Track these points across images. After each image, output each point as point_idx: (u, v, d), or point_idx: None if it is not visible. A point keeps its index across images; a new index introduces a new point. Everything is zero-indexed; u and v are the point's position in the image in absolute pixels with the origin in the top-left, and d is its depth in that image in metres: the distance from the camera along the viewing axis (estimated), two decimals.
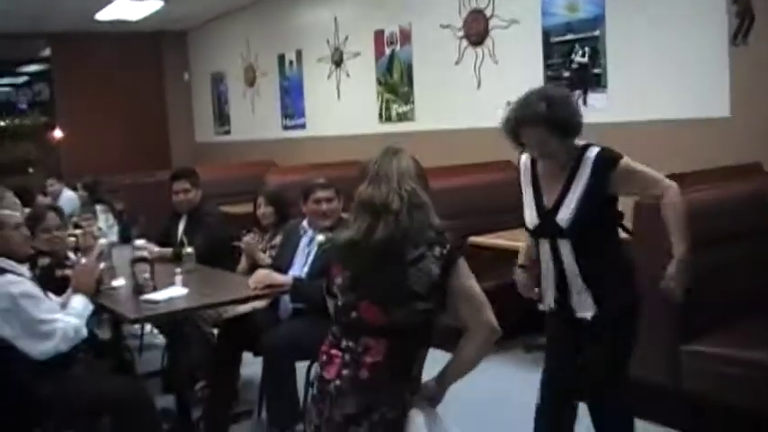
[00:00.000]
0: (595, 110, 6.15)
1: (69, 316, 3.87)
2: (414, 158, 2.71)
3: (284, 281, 4.46)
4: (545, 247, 3.44)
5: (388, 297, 2.54)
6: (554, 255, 3.39)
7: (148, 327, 6.75)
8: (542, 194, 3.41)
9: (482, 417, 4.66)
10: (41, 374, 3.76)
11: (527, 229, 3.51)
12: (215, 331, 5.19)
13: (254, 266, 5.22)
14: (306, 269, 4.62)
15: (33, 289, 3.80)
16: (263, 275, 4.47)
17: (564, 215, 3.30)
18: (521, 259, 3.72)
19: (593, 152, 3.30)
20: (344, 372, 2.58)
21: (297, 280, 4.50)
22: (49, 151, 13.15)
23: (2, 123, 13.15)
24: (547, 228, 3.38)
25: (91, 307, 4.07)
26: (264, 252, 5.35)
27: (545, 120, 3.19)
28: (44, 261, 4.58)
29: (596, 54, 6.15)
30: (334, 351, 2.64)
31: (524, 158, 3.53)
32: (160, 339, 6.49)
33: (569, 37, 6.33)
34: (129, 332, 6.23)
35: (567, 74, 6.42)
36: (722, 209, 4.44)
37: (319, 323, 4.34)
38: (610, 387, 3.49)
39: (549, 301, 3.53)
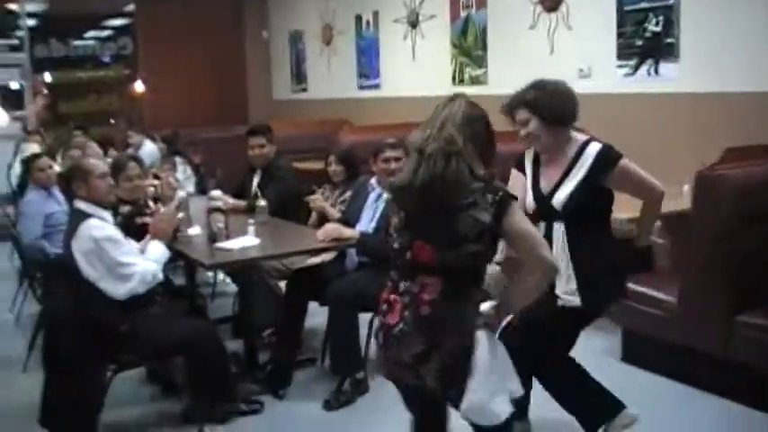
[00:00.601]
0: (667, 79, 6.18)
1: (147, 261, 4.13)
2: (469, 106, 2.80)
3: (351, 234, 4.65)
4: (541, 231, 3.49)
5: (438, 239, 2.64)
6: (548, 239, 3.44)
7: (221, 275, 7.04)
8: (540, 180, 3.56)
9: None
10: (122, 313, 4.04)
11: (525, 212, 3.62)
12: (282, 284, 5.42)
13: (323, 220, 5.42)
14: (372, 224, 4.80)
15: (115, 233, 4.07)
16: (332, 229, 4.68)
17: (559, 198, 3.45)
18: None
19: (594, 148, 3.46)
20: (406, 313, 2.67)
21: (363, 234, 4.69)
22: (131, 104, 13.52)
23: (86, 75, 13.48)
24: (543, 210, 3.51)
25: (168, 254, 4.32)
26: (334, 206, 5.53)
27: (529, 105, 3.44)
28: (125, 209, 4.84)
29: (669, 23, 6.14)
30: (393, 297, 2.74)
31: (529, 151, 3.69)
32: (231, 287, 6.76)
33: (643, 5, 6.33)
34: (202, 279, 6.50)
35: (639, 42, 6.44)
36: None
37: (383, 276, 4.55)
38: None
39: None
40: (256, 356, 4.94)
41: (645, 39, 6.40)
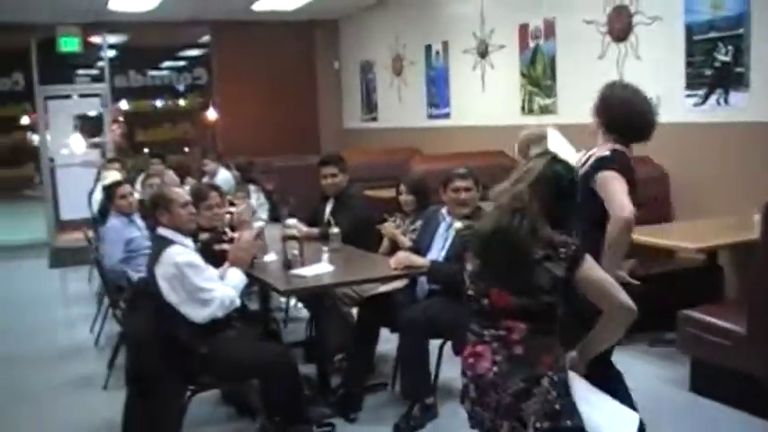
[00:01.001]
0: (737, 109, 6.16)
1: (226, 287, 4.28)
2: (550, 164, 2.84)
3: (423, 263, 4.76)
4: None
5: (514, 286, 2.71)
6: None
7: (293, 301, 7.19)
8: None
9: None
10: (201, 336, 4.19)
11: None
12: (354, 311, 5.53)
13: (394, 248, 5.54)
14: (443, 253, 4.89)
15: (197, 259, 4.24)
16: (404, 257, 4.79)
17: None
18: None
19: (599, 153, 3.67)
20: (498, 358, 2.72)
21: (434, 263, 4.79)
22: (205, 132, 13.87)
23: (162, 104, 13.88)
24: None
25: (245, 280, 4.48)
26: (404, 235, 5.63)
27: (596, 111, 3.78)
28: (204, 236, 5.01)
29: (739, 53, 6.13)
30: (479, 348, 2.78)
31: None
32: (303, 313, 6.91)
33: (712, 35, 6.33)
34: (275, 305, 6.67)
35: (708, 72, 6.43)
36: None
37: (453, 304, 4.67)
38: None
39: None
40: (328, 380, 5.06)
41: (714, 68, 6.39)
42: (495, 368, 2.72)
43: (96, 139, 12.85)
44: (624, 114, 3.66)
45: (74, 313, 8.11)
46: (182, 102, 13.91)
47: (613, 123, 3.65)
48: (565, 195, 2.84)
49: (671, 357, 5.45)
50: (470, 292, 2.83)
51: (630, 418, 2.80)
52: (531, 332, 2.70)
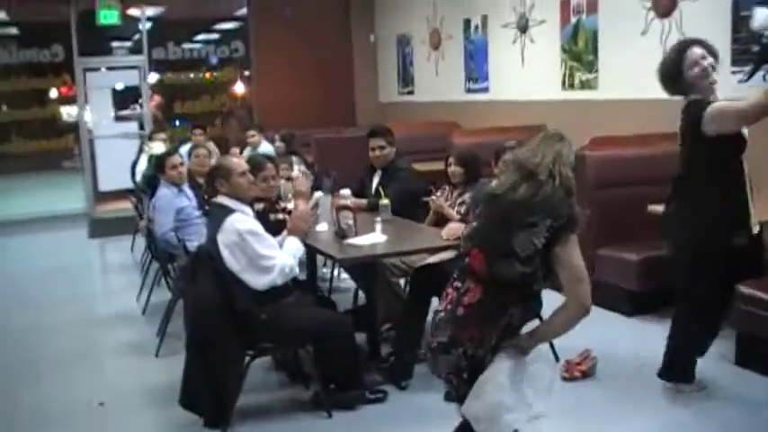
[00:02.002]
0: None
1: (286, 255, 4.38)
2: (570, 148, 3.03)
3: None
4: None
5: (493, 251, 2.83)
6: None
7: (336, 272, 7.30)
8: None
9: (650, 378, 4.91)
10: (261, 303, 4.30)
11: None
12: (402, 282, 5.62)
13: (439, 221, 5.61)
14: None
15: (258, 227, 4.34)
16: (456, 228, 4.86)
17: None
18: None
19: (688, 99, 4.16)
20: (449, 306, 2.93)
21: None
22: (242, 104, 13.96)
23: (199, 76, 13.96)
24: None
25: (303, 249, 4.58)
26: (452, 207, 5.69)
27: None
28: (259, 206, 5.10)
29: None
30: (449, 289, 2.98)
31: None
32: (346, 284, 7.03)
33: None
34: (318, 276, 6.79)
35: (755, 48, 6.43)
36: None
37: None
38: None
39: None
40: (379, 349, 5.16)
41: (762, 45, 6.38)
42: (442, 313, 2.95)
43: (134, 111, 12.98)
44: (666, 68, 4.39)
45: (118, 283, 8.27)
46: (220, 74, 13.95)
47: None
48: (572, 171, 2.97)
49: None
50: (461, 249, 3.01)
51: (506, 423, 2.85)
52: (480, 302, 2.84)
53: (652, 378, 4.65)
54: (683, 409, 4.44)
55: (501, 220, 2.85)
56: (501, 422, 2.82)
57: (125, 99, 13.05)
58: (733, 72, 6.66)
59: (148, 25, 12.70)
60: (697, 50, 4.17)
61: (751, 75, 6.53)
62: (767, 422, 4.10)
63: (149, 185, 7.35)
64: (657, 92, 7.37)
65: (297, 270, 4.48)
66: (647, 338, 5.55)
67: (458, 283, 2.94)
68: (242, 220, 4.29)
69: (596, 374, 4.97)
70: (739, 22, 6.53)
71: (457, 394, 3.03)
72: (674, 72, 4.21)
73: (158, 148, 8.63)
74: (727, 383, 4.84)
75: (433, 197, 5.72)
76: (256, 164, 5.08)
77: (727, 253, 4.10)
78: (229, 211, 4.32)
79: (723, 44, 6.63)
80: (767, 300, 4.80)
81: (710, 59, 4.17)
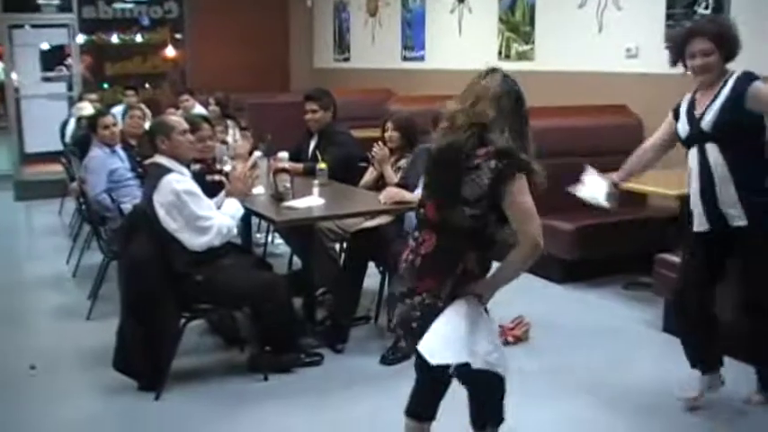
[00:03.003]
0: None
1: (224, 215, 4.34)
2: (503, 81, 2.95)
3: (412, 198, 4.84)
4: (693, 156, 3.85)
5: (442, 198, 2.86)
6: (701, 161, 3.79)
7: (270, 237, 7.28)
8: (695, 108, 3.88)
9: (581, 342, 5.02)
10: (197, 264, 4.27)
11: (682, 142, 3.95)
12: (337, 246, 5.62)
13: (378, 179, 5.60)
14: None
15: (195, 188, 4.29)
16: (395, 192, 4.88)
17: (707, 119, 3.76)
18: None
19: (737, 72, 3.78)
20: (409, 257, 2.95)
21: None
22: (175, 67, 13.73)
23: (131, 37, 13.64)
24: (695, 134, 3.82)
25: (242, 210, 4.55)
26: None
27: (713, 33, 3.74)
28: (195, 167, 5.04)
29: (719, 6, 6.22)
30: (410, 240, 3.02)
31: (686, 96, 4.00)
32: (280, 249, 7.01)
33: None
34: (253, 242, 6.75)
35: (688, 23, 6.53)
36: None
37: None
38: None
39: (698, 218, 3.89)
40: (314, 313, 5.16)
41: (694, 21, 6.49)
42: (403, 263, 2.98)
43: (62, 72, 12.67)
44: (738, 38, 3.81)
45: (46, 246, 8.07)
46: (153, 35, 13.64)
47: (735, 49, 3.79)
48: (520, 106, 2.93)
49: (645, 299, 5.65)
50: (419, 200, 3.04)
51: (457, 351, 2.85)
52: (434, 251, 2.85)
53: (581, 342, 4.76)
54: (613, 374, 4.54)
55: (442, 169, 2.89)
56: (455, 351, 2.81)
57: (53, 58, 12.72)
58: (666, 47, 6.76)
59: None
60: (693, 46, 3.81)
61: None
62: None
63: (80, 147, 7.19)
64: (593, 64, 7.51)
65: (235, 231, 4.46)
66: (579, 306, 5.69)
67: (416, 233, 2.98)
68: (179, 179, 4.24)
69: (529, 339, 5.04)
70: None
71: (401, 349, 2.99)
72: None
73: (87, 109, 8.45)
74: (655, 349, 4.97)
75: (376, 149, 5.59)
76: (192, 124, 4.99)
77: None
78: (166, 170, 4.26)
79: (657, 19, 6.75)
80: None
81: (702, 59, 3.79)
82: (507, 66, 8.31)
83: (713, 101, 3.77)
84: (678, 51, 3.85)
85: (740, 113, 3.70)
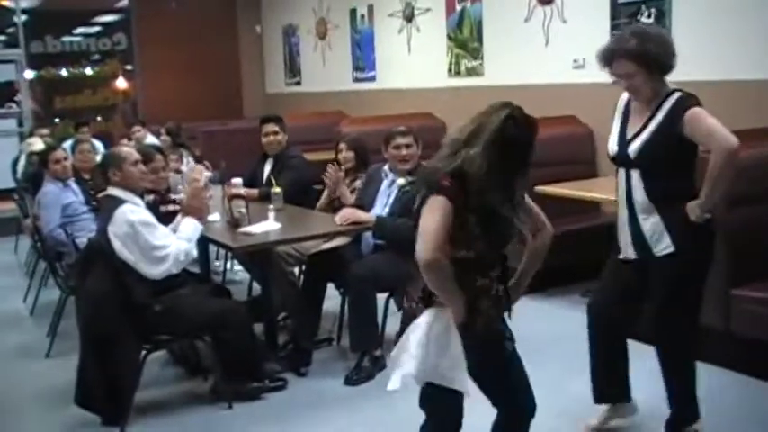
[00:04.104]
0: None
1: (180, 240, 4.34)
2: (509, 126, 2.73)
3: (368, 218, 4.87)
4: (621, 178, 3.66)
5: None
6: (627, 186, 3.61)
7: (229, 264, 7.26)
8: (627, 127, 3.64)
9: (539, 352, 5.03)
10: (155, 294, 4.25)
11: (609, 156, 3.72)
12: (296, 270, 5.62)
13: (333, 200, 5.61)
14: (386, 209, 5.00)
15: (149, 218, 4.28)
16: (350, 213, 4.90)
17: (635, 146, 3.53)
18: None
19: (675, 95, 3.48)
20: None
21: (380, 218, 4.90)
22: (126, 99, 13.65)
23: (80, 71, 13.55)
24: (623, 157, 3.61)
25: (200, 229, 4.52)
26: None
27: (634, 55, 3.41)
28: (149, 197, 5.02)
29: (661, 15, 6.35)
30: None
31: (624, 96, 3.72)
32: (240, 276, 6.99)
33: None
34: (211, 270, 6.72)
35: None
36: None
37: (398, 259, 4.79)
38: (680, 331, 3.69)
39: (624, 245, 3.71)
40: (276, 337, 5.15)
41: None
42: None
43: (11, 109, 12.55)
44: (667, 50, 3.47)
45: (3, 284, 7.92)
46: (102, 68, 13.56)
47: (659, 62, 3.45)
48: (514, 156, 2.75)
49: None
50: None
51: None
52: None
53: (540, 351, 4.79)
54: (572, 382, 4.57)
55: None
56: (407, 368, 2.80)
57: (2, 95, 12.61)
58: None
59: (24, 17, 12.28)
60: (616, 68, 3.57)
61: None
62: (652, 387, 4.25)
63: (32, 183, 7.13)
64: (541, 77, 7.61)
65: (194, 253, 4.44)
66: (536, 315, 5.71)
67: None
68: (133, 210, 4.22)
69: None
70: (617, 8, 6.74)
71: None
72: None
73: (38, 144, 8.39)
74: None
75: (330, 170, 5.53)
76: (145, 155, 4.97)
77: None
78: (120, 201, 4.24)
79: (602, 30, 6.86)
80: None
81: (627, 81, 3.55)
82: (457, 82, 8.61)
83: (645, 126, 3.54)
84: (609, 68, 3.56)
85: (673, 142, 3.45)
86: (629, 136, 3.60)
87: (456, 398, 2.88)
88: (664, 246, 3.54)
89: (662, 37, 3.54)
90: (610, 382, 3.97)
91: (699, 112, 3.43)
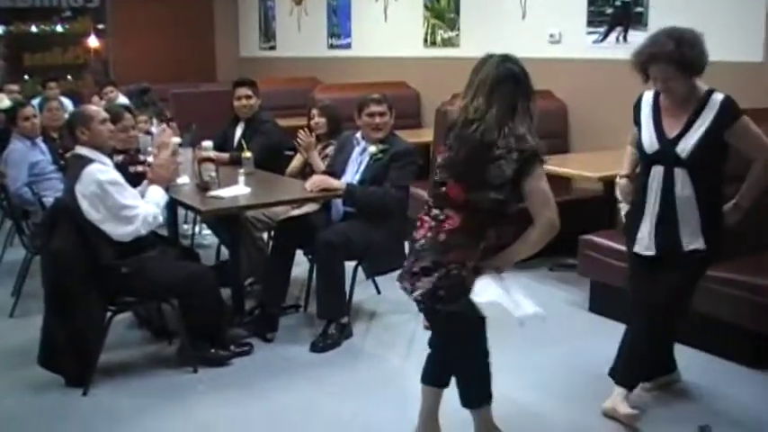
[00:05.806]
0: (635, 47, 6.39)
1: (149, 204, 4.29)
2: (498, 67, 3.11)
3: (339, 185, 4.86)
4: (658, 175, 3.66)
5: (468, 182, 3.05)
6: (666, 183, 3.64)
7: (197, 228, 7.21)
8: (663, 125, 3.67)
9: (507, 324, 5.03)
10: (123, 256, 4.21)
11: (643, 154, 3.73)
12: (264, 236, 5.60)
13: (304, 166, 5.57)
14: (357, 177, 4.99)
15: (118, 177, 4.23)
16: (320, 180, 4.88)
17: (685, 146, 3.56)
18: (625, 170, 4.03)
19: (719, 96, 3.57)
20: (429, 234, 3.12)
21: (350, 185, 4.88)
22: (97, 58, 13.46)
23: (51, 27, 13.32)
24: (665, 155, 3.63)
25: (167, 197, 4.49)
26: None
27: (673, 59, 3.48)
28: (118, 158, 4.97)
29: None
30: (425, 217, 3.18)
31: (647, 94, 3.81)
32: (207, 241, 6.95)
33: None
34: (180, 233, 6.66)
35: (609, 10, 6.66)
36: None
37: (368, 226, 4.79)
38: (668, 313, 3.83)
39: (643, 236, 3.76)
40: (243, 303, 5.13)
41: (615, 6, 6.62)
42: (422, 240, 3.15)
43: None
44: (702, 52, 3.55)
45: None
46: (73, 25, 13.31)
47: (695, 64, 3.53)
48: (521, 87, 3.09)
49: (571, 281, 5.75)
50: (436, 178, 3.18)
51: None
52: (460, 228, 3.05)
53: (508, 324, 4.80)
54: (540, 354, 4.61)
55: (472, 157, 3.03)
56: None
57: None
58: (588, 33, 6.89)
59: None
60: (654, 71, 3.61)
61: (605, 36, 6.81)
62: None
63: (0, 140, 7.02)
64: (517, 50, 7.48)
65: (161, 219, 4.40)
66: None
67: (436, 211, 3.13)
68: (102, 170, 4.16)
69: None
70: None
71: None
72: None
73: (4, 101, 8.26)
74: (582, 328, 5.06)
75: (302, 135, 5.57)
76: (114, 114, 4.91)
77: None
78: (88, 161, 4.18)
79: (579, 5, 6.86)
80: (618, 249, 4.99)
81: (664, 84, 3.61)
82: (433, 52, 8.57)
83: (690, 125, 3.58)
84: (643, 71, 3.61)
85: (719, 144, 3.57)
86: (669, 135, 3.64)
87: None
88: (696, 243, 3.64)
89: (696, 38, 3.57)
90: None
91: (748, 121, 3.58)
